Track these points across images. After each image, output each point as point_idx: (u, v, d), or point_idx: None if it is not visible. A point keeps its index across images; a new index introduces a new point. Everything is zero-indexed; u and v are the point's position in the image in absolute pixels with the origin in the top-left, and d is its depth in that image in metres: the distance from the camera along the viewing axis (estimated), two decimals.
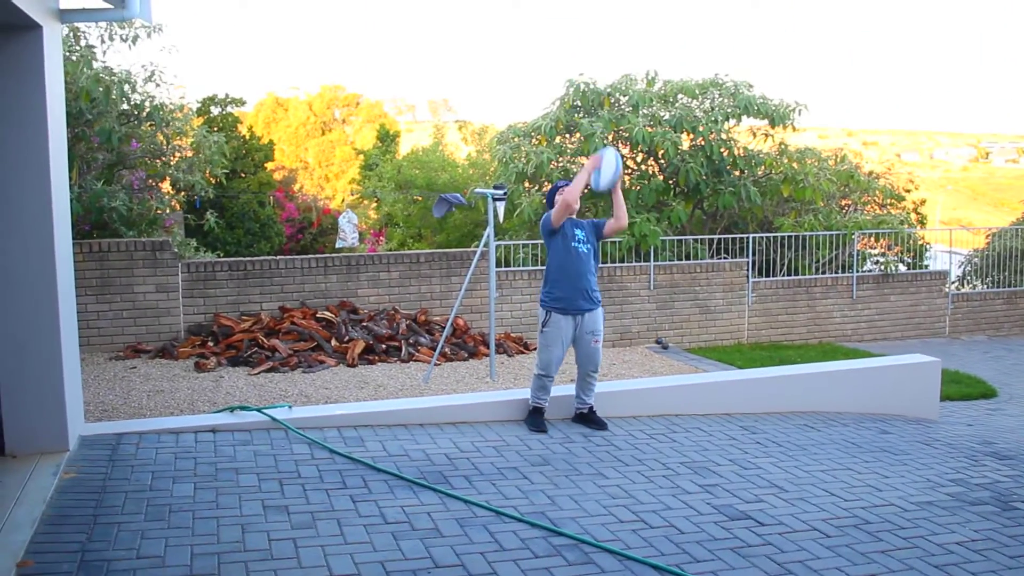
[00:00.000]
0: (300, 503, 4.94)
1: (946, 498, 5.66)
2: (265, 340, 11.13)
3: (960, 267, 19.27)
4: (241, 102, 22.85)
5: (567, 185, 6.95)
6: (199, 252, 14.81)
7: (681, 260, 14.79)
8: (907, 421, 8.16)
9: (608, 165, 6.82)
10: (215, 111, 22.07)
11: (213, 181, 14.26)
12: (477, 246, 11.23)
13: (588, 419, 7.05)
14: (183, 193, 13.86)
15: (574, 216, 6.97)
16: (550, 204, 7.01)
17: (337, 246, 17.35)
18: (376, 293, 12.74)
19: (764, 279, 15.00)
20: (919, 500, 5.58)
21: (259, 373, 10.37)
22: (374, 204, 25.19)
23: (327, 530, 4.58)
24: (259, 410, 6.50)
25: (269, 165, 23.99)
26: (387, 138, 29.31)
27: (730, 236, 15.57)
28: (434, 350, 11.01)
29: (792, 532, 4.88)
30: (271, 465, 5.56)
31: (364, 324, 11.89)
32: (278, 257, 12.79)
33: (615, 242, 14.04)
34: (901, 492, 5.72)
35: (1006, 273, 17.61)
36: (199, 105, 21.49)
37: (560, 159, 15.48)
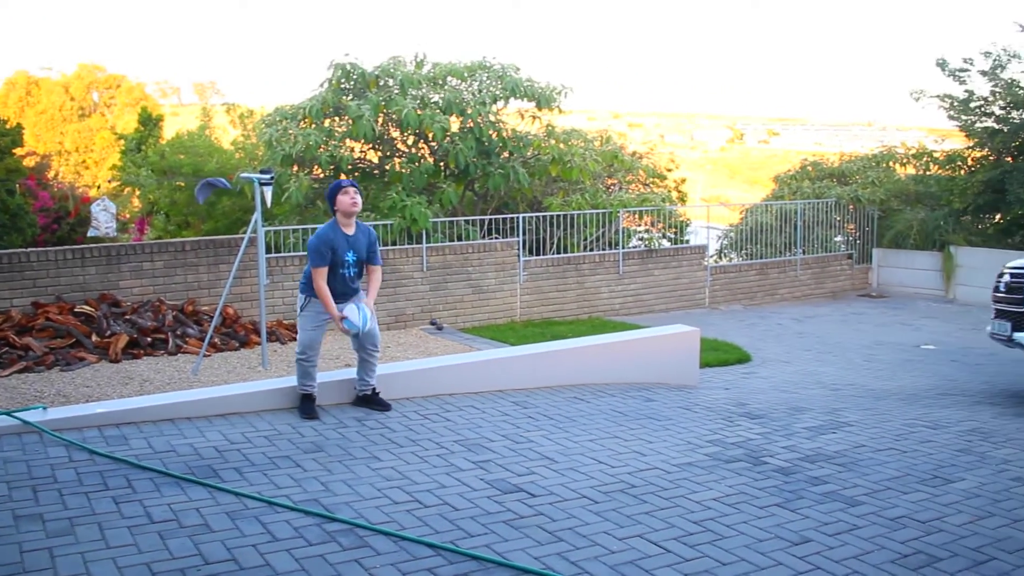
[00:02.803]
0: (56, 509, 4.68)
1: (704, 458, 6.01)
2: (17, 339, 10.43)
3: (718, 241, 20.42)
4: None
5: (352, 186, 6.85)
6: None
7: (453, 241, 14.95)
8: (670, 388, 8.60)
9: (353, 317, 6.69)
10: None
11: None
12: (245, 232, 10.95)
13: (371, 401, 7.04)
14: None
15: (351, 224, 6.87)
16: (330, 203, 6.86)
17: (89, 235, 16.49)
18: (140, 284, 12.20)
19: (535, 258, 15.38)
20: (680, 462, 5.89)
21: (11, 374, 9.73)
22: (137, 192, 24.03)
23: (87, 535, 4.37)
24: (8, 413, 6.11)
25: (18, 151, 22.40)
26: (150, 122, 27.94)
27: (501, 216, 15.86)
28: (203, 341, 10.67)
29: (562, 501, 5.05)
30: (23, 472, 5.24)
31: (127, 317, 11.37)
32: (29, 249, 12.00)
33: (386, 225, 14.03)
34: (664, 456, 6.03)
35: (758, 246, 18.81)
36: None
37: (329, 142, 15.29)
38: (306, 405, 6.79)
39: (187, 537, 4.38)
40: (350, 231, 6.81)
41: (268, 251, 12.97)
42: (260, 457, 5.70)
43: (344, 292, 6.82)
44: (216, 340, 11.18)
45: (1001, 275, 9.12)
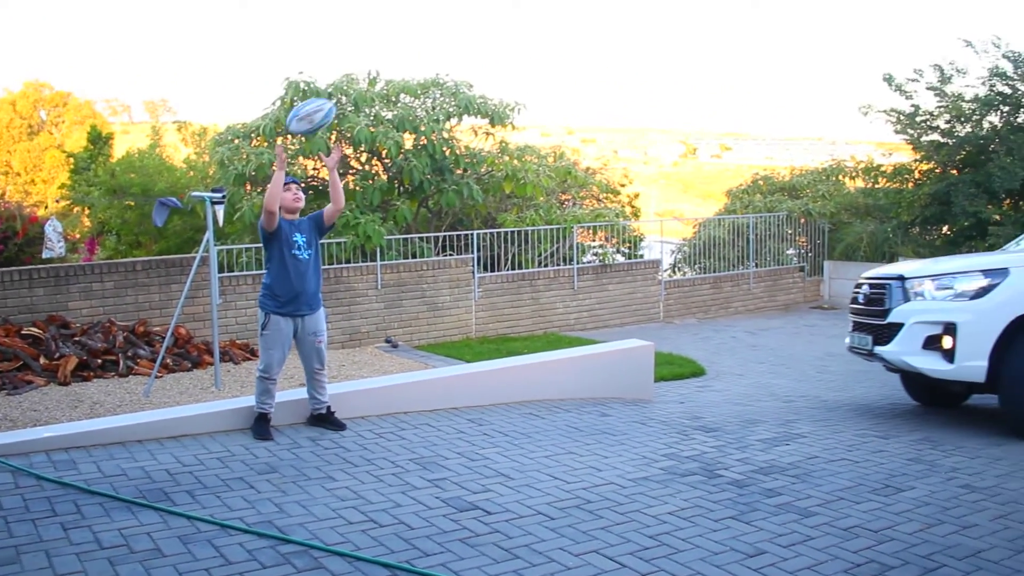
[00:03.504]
0: (2, 538, 4.58)
1: (659, 472, 6.03)
2: None
3: (672, 255, 20.58)
4: None
5: (294, 183, 6.85)
6: None
7: (407, 259, 14.92)
8: (625, 403, 8.63)
9: (308, 107, 6.68)
10: None
11: None
12: (197, 252, 10.85)
13: (326, 420, 6.98)
14: None
15: (294, 216, 6.85)
16: None
17: (44, 256, 16.23)
18: (89, 305, 12.03)
19: (489, 274, 15.39)
20: (635, 476, 5.91)
21: None
22: (87, 211, 23.72)
23: (34, 563, 4.28)
24: None
25: None
26: (99, 140, 27.60)
27: (455, 233, 15.87)
28: (155, 362, 10.54)
29: (518, 518, 5.04)
30: None
31: (77, 339, 11.20)
32: None
33: (340, 243, 13.97)
34: (619, 470, 6.04)
35: (712, 260, 18.98)
36: None
37: None
38: (260, 425, 6.72)
39: (138, 563, 4.31)
40: (294, 219, 6.84)
41: (221, 270, 12.86)
42: (213, 479, 5.63)
43: (300, 289, 6.74)
44: (168, 361, 11.05)
45: (859, 285, 8.67)
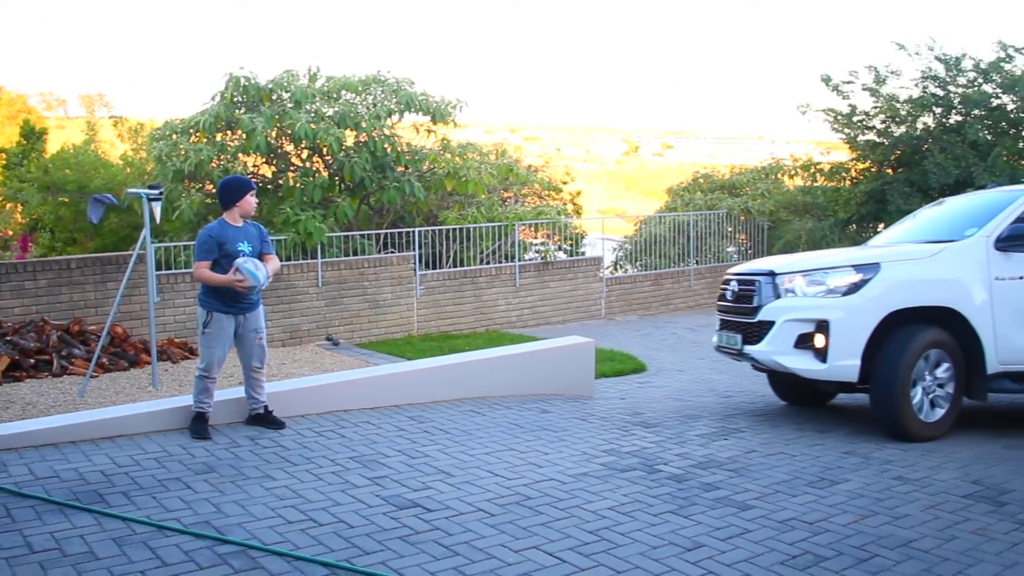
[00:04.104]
0: None
1: (600, 468, 6.06)
2: None
3: (614, 253, 20.68)
4: None
5: (252, 187, 6.78)
6: None
7: (349, 256, 14.83)
8: (566, 399, 8.66)
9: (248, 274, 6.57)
10: None
11: None
12: (134, 249, 10.68)
13: (265, 419, 6.92)
14: None
15: (240, 224, 6.78)
16: (232, 200, 6.73)
17: None
18: (22, 304, 11.78)
19: (431, 271, 15.35)
20: (575, 472, 5.94)
21: None
22: (20, 208, 23.21)
23: None
24: None
25: None
26: (33, 135, 27.03)
27: (397, 231, 15.81)
28: (90, 362, 10.35)
29: (459, 515, 5.04)
30: None
31: (8, 338, 10.95)
32: None
33: (281, 240, 13.84)
34: (560, 467, 6.07)
35: (653, 257, 19.11)
36: None
37: (221, 156, 15.02)
38: (198, 425, 6.64)
39: (70, 566, 4.24)
40: (239, 225, 6.77)
41: (158, 268, 12.66)
42: (149, 480, 5.55)
43: (242, 295, 6.68)
44: (104, 360, 10.86)
45: (727, 282, 8.23)
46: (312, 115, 15.05)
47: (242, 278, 6.50)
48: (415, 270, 14.99)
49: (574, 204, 21.98)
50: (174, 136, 15.53)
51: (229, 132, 15.68)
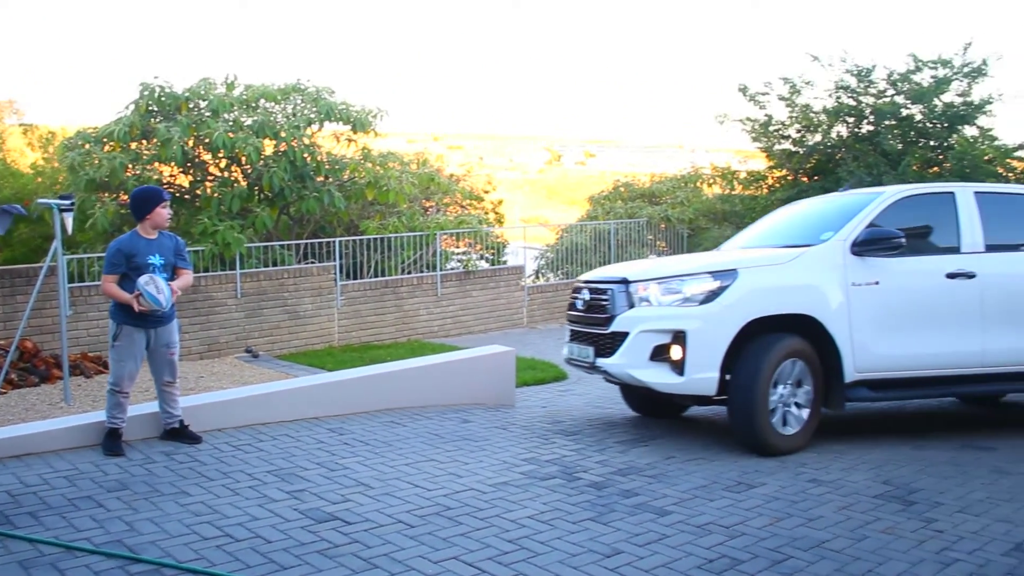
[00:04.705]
0: None
1: (520, 477, 6.07)
2: None
3: (536, 261, 20.77)
4: None
5: (165, 198, 6.66)
6: None
7: (268, 267, 14.65)
8: (487, 409, 8.66)
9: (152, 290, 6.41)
10: None
11: None
12: (45, 261, 10.42)
13: (180, 434, 6.79)
14: None
15: (154, 236, 6.66)
16: (145, 211, 6.60)
17: None
18: None
19: (352, 281, 15.25)
20: (496, 482, 5.93)
21: None
22: None
23: None
24: None
25: None
26: None
27: (317, 241, 15.68)
28: None
29: (378, 527, 5.00)
30: None
31: None
32: None
33: (198, 251, 13.62)
34: (480, 476, 6.06)
35: (575, 266, 19.23)
36: None
37: (136, 166, 14.73)
38: (111, 441, 6.49)
39: None
40: (152, 237, 6.63)
41: (71, 280, 12.37)
42: (59, 499, 5.41)
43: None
44: (13, 376, 10.57)
45: (578, 290, 7.81)
46: (230, 124, 14.85)
47: (143, 304, 6.37)
48: (336, 280, 14.87)
49: (496, 213, 22.03)
50: (87, 146, 15.18)
51: (144, 141, 15.38)
